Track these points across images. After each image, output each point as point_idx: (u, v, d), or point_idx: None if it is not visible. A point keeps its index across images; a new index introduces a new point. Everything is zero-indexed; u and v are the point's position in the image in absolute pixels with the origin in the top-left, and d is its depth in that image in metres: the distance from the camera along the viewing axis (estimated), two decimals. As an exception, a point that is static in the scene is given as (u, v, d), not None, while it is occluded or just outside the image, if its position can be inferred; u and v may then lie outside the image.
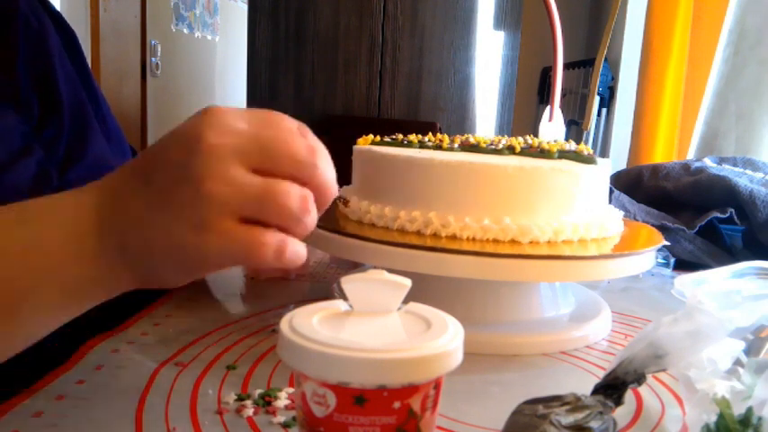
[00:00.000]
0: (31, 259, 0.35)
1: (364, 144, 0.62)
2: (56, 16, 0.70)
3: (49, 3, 0.70)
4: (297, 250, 0.34)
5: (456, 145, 0.61)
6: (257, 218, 0.33)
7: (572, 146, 0.62)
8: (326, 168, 0.35)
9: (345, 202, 0.61)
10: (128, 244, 0.35)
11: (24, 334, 0.37)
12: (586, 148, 0.60)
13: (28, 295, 0.36)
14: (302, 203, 0.34)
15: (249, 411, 0.40)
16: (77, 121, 0.65)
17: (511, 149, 0.59)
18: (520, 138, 0.67)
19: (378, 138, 0.65)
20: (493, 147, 0.61)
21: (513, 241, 0.52)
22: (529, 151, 0.59)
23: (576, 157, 0.58)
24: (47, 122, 0.62)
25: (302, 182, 0.34)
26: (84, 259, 0.36)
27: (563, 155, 0.59)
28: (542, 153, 0.59)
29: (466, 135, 0.65)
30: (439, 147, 0.61)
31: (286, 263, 0.34)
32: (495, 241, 0.52)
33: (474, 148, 0.61)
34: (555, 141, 0.66)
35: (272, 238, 0.33)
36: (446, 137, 0.64)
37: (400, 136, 0.65)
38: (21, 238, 0.36)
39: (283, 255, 0.34)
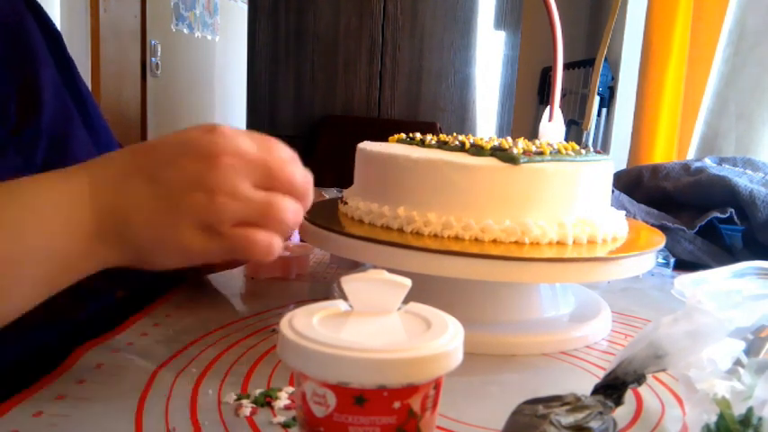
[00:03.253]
0: (20, 235, 0.37)
1: (392, 142, 0.62)
2: (40, 15, 0.67)
3: (34, 0, 0.67)
4: (280, 245, 0.41)
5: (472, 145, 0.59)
6: (256, 224, 0.39)
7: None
8: (311, 193, 0.42)
9: (344, 202, 0.61)
10: (127, 233, 0.39)
11: (8, 307, 0.38)
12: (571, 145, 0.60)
13: (14, 269, 0.37)
14: (296, 217, 0.41)
15: (249, 411, 0.40)
16: (59, 126, 0.63)
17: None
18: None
19: (401, 135, 0.65)
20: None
21: (513, 242, 0.52)
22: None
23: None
24: (25, 125, 0.60)
25: (294, 197, 0.41)
26: (76, 237, 0.38)
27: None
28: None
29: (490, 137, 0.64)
30: (462, 147, 0.59)
31: (272, 257, 0.40)
32: (496, 242, 0.52)
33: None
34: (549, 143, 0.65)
35: (264, 237, 0.39)
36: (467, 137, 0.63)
37: (418, 136, 0.64)
38: (11, 216, 0.37)
39: (272, 251, 0.40)
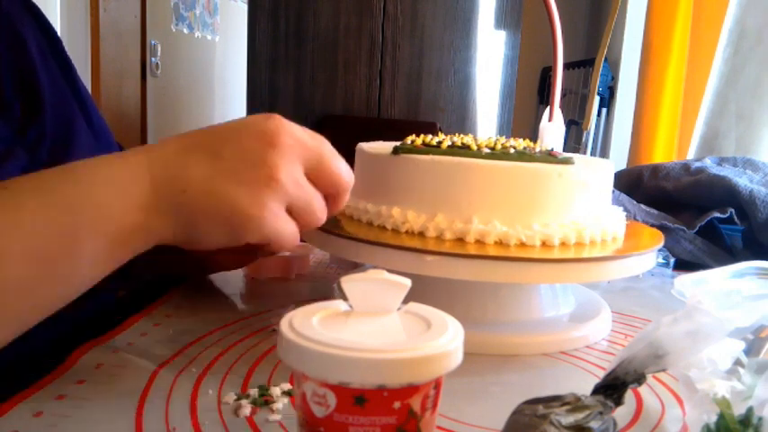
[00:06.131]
0: (77, 209, 0.39)
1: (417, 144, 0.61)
2: (36, 14, 0.67)
3: (31, 1, 0.67)
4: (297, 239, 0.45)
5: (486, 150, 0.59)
6: (292, 211, 0.43)
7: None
8: (348, 192, 0.47)
9: None
10: (184, 201, 0.41)
11: (69, 284, 0.40)
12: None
13: (76, 247, 0.38)
14: (321, 219, 0.45)
15: (248, 411, 0.40)
16: (61, 124, 0.63)
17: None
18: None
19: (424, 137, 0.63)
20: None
21: (513, 243, 0.52)
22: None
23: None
24: (29, 125, 0.60)
25: (333, 193, 0.45)
26: (132, 209, 0.40)
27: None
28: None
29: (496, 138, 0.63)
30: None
31: (286, 249, 0.44)
32: (496, 243, 0.52)
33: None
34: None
35: (294, 229, 0.43)
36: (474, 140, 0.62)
37: (433, 139, 0.62)
38: (67, 192, 0.39)
39: (293, 243, 0.44)
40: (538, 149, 0.61)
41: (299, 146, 0.42)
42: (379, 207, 0.56)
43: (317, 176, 0.44)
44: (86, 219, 0.39)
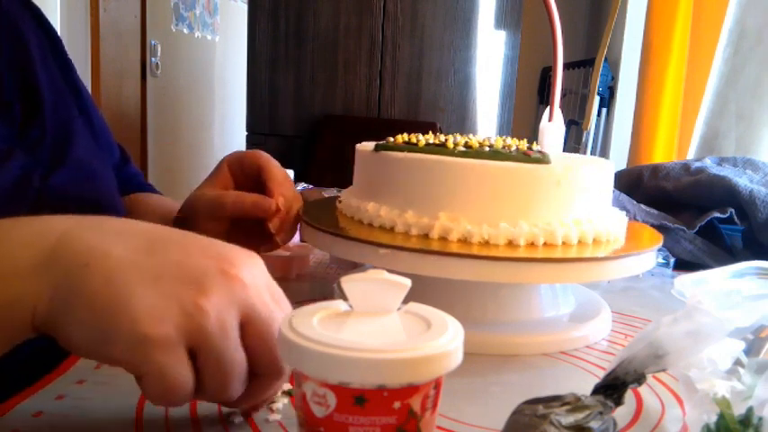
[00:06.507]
0: None
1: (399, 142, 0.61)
2: (36, 13, 0.67)
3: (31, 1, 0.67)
4: (187, 398, 0.33)
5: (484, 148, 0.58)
6: (198, 360, 0.32)
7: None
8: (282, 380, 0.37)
9: (341, 202, 0.62)
10: (76, 276, 0.32)
11: None
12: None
13: None
14: (234, 394, 0.34)
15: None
16: (60, 124, 0.63)
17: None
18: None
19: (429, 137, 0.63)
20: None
21: (513, 243, 0.52)
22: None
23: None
24: (29, 125, 0.60)
25: (263, 373, 0.35)
26: (9, 276, 0.32)
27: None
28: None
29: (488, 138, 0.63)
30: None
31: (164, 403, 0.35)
32: (496, 244, 0.52)
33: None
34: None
35: (187, 384, 0.32)
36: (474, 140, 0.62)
37: (436, 139, 0.62)
38: None
39: (175, 404, 0.34)
40: (536, 148, 0.61)
41: (254, 292, 0.34)
42: (360, 202, 0.58)
43: (251, 341, 0.34)
44: None
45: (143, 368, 0.32)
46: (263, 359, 0.34)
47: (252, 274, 0.34)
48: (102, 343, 0.32)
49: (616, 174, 1.04)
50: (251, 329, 0.34)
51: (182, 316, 0.31)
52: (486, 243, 0.52)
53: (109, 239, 0.33)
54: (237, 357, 0.33)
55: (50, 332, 0.33)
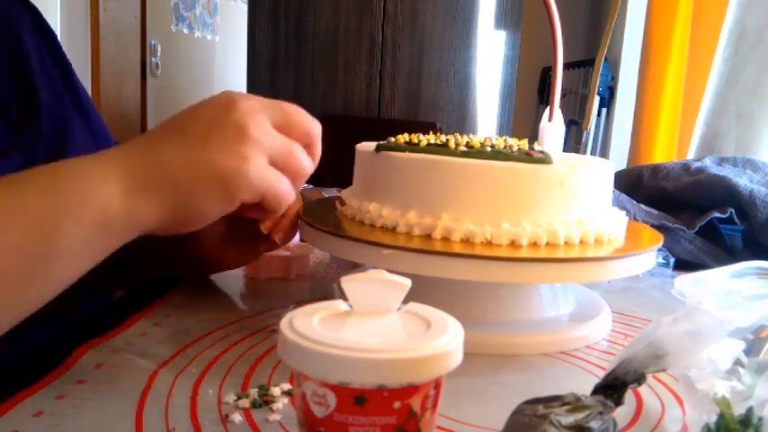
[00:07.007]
0: (57, 194, 0.38)
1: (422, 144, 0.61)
2: (34, 14, 0.67)
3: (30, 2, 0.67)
4: (293, 196, 0.45)
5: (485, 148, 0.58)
6: (277, 164, 0.43)
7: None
8: (320, 140, 0.48)
9: (342, 203, 0.61)
10: (165, 180, 0.40)
11: (54, 276, 0.38)
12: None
13: (56, 236, 0.37)
14: (310, 167, 0.46)
15: (249, 411, 0.40)
16: (57, 124, 0.63)
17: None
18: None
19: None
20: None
21: (513, 244, 0.52)
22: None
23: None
24: (24, 126, 0.60)
25: (308, 142, 0.46)
26: (111, 193, 0.39)
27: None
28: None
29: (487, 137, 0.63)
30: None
31: (284, 208, 0.45)
32: (496, 244, 0.52)
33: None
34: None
35: (286, 184, 0.44)
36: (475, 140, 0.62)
37: (438, 138, 0.62)
38: (48, 183, 0.38)
39: (290, 198, 0.44)
40: (537, 148, 0.61)
41: (259, 105, 0.43)
42: (361, 202, 0.58)
43: (286, 128, 0.44)
44: (66, 206, 0.37)
45: (258, 190, 0.42)
46: (302, 134, 0.46)
47: (246, 97, 0.43)
48: (225, 200, 0.42)
49: (616, 174, 1.05)
50: (281, 124, 0.44)
51: (244, 145, 0.41)
52: (489, 243, 0.52)
53: (153, 146, 0.42)
54: (291, 144, 0.44)
55: (174, 231, 0.43)
